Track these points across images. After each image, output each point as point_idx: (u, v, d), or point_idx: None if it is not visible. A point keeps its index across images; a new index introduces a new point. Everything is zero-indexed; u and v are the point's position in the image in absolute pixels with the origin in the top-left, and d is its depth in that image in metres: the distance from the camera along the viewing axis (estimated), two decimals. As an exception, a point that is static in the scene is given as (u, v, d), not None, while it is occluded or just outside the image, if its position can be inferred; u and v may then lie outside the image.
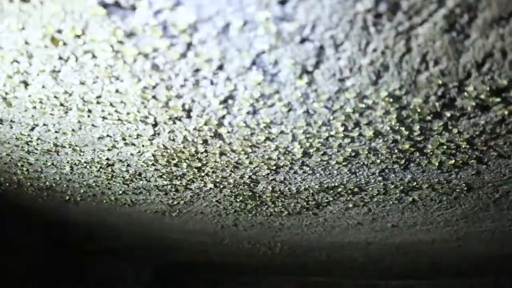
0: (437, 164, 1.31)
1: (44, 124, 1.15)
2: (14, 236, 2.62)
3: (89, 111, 1.06)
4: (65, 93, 0.98)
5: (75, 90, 0.97)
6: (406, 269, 4.14)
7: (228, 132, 1.13)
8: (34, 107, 1.06)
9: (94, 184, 1.69)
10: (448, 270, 4.12)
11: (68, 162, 1.45)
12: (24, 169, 1.53)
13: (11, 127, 1.19)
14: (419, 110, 0.98)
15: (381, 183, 1.56)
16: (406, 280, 4.75)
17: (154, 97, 0.99)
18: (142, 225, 2.62)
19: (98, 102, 1.02)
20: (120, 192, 1.80)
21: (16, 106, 1.06)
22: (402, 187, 1.59)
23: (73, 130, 1.18)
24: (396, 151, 1.22)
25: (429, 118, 1.03)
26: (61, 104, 1.03)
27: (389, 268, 4.04)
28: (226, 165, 1.37)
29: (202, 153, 1.28)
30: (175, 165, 1.41)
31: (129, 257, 4.09)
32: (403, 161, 1.32)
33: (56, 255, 3.30)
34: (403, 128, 1.08)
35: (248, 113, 1.03)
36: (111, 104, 1.02)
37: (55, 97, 1.00)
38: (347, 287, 5.08)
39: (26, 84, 0.96)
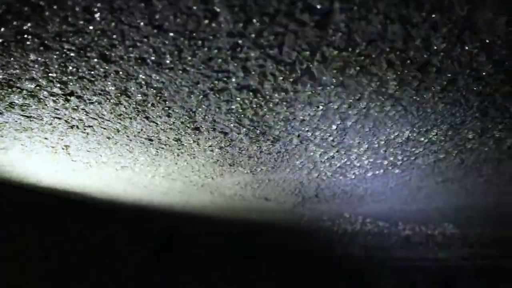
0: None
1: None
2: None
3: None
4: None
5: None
6: (495, 243, 3.87)
7: (318, 63, 1.10)
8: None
9: (180, 154, 1.72)
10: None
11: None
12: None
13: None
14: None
15: (479, 122, 1.45)
16: (503, 260, 4.43)
17: (247, 28, 0.97)
18: (223, 206, 2.64)
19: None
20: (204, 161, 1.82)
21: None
22: (501, 126, 1.47)
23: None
24: (502, 69, 1.13)
25: (543, 17, 0.93)
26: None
27: (477, 242, 3.80)
28: (315, 109, 1.34)
29: (291, 96, 1.26)
30: (262, 116, 1.39)
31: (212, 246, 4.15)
32: (507, 86, 1.22)
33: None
34: (512, 35, 0.99)
35: (343, 35, 0.99)
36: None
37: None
38: (436, 269, 4.84)
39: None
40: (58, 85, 1.24)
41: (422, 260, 4.57)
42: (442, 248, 3.95)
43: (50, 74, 1.19)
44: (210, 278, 4.05)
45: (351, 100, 1.28)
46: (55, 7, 0.91)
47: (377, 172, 1.93)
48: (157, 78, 1.19)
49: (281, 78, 1.16)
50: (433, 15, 0.94)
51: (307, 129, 1.48)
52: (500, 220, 2.89)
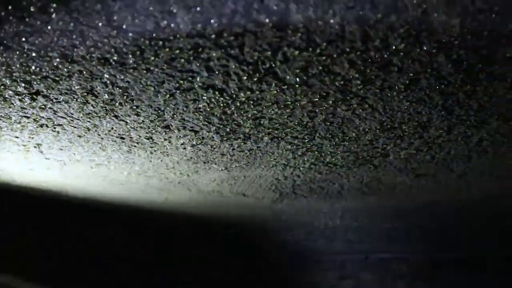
0: (509, 82, 1.22)
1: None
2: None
3: (144, 55, 1.07)
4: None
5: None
6: (476, 238, 3.94)
7: (280, 63, 1.11)
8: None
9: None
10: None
11: (127, 126, 1.48)
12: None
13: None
14: (485, 7, 0.92)
15: (445, 120, 1.48)
16: (474, 251, 4.51)
17: (206, 29, 0.98)
18: (201, 202, 2.65)
19: (152, 43, 1.02)
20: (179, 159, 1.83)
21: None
22: (467, 122, 1.50)
23: (130, 82, 1.19)
24: (461, 69, 1.15)
25: (497, 19, 0.95)
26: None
27: (455, 238, 3.86)
28: (282, 108, 1.35)
29: (257, 95, 1.27)
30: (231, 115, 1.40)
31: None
32: (469, 85, 1.24)
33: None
34: (469, 36, 1.01)
35: (302, 36, 1.00)
36: (164, 44, 1.02)
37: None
38: (412, 263, 4.91)
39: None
40: (23, 84, 1.24)
41: (403, 253, 4.63)
42: (419, 241, 4.01)
43: (13, 74, 1.18)
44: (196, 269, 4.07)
45: (316, 99, 1.30)
46: (9, 7, 0.91)
47: (350, 167, 1.96)
48: (122, 77, 1.19)
49: (245, 77, 1.17)
50: (389, 17, 0.95)
51: (276, 126, 1.49)
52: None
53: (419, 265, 4.82)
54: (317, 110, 1.37)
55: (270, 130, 1.52)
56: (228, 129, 1.51)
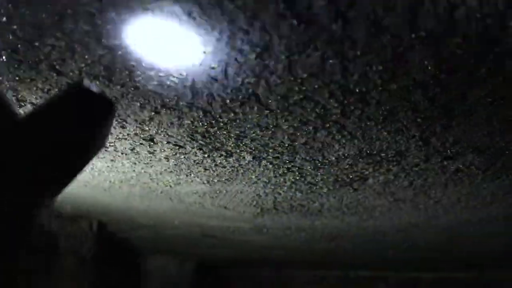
0: (483, 119, 1.27)
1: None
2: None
3: (131, 74, 1.10)
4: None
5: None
6: (455, 259, 3.99)
7: (264, 89, 1.14)
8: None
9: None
10: (504, 260, 3.94)
11: (112, 137, 1.51)
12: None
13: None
14: (459, 52, 0.96)
15: (422, 150, 1.53)
16: (456, 272, 4.57)
17: (192, 54, 1.01)
18: (183, 212, 2.67)
19: (139, 63, 1.05)
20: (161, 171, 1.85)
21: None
22: (444, 153, 1.55)
23: (116, 97, 1.22)
24: (437, 105, 1.20)
25: (471, 61, 1.00)
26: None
27: (435, 258, 3.91)
28: (264, 130, 1.39)
29: (240, 117, 1.30)
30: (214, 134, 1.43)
31: (171, 251, 4.16)
32: (444, 119, 1.29)
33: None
34: (443, 76, 1.06)
35: (284, 65, 1.04)
36: (151, 65, 1.06)
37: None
38: (393, 282, 4.95)
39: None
40: (11, 92, 1.26)
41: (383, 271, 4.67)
42: (401, 264, 4.05)
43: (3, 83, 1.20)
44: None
45: (298, 124, 1.33)
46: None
47: (330, 188, 1.99)
48: (108, 92, 1.22)
49: (228, 100, 1.21)
50: (368, 55, 0.99)
51: (258, 146, 1.52)
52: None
53: (399, 283, 4.87)
54: (298, 134, 1.41)
55: (252, 149, 1.55)
56: (211, 146, 1.54)
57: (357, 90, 1.15)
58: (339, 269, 4.67)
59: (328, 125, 1.33)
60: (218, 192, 2.12)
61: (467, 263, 4.16)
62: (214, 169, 1.77)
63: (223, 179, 1.91)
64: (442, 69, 1.03)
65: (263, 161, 1.66)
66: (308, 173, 1.78)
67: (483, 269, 4.45)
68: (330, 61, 1.02)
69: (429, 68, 1.03)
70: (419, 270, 4.71)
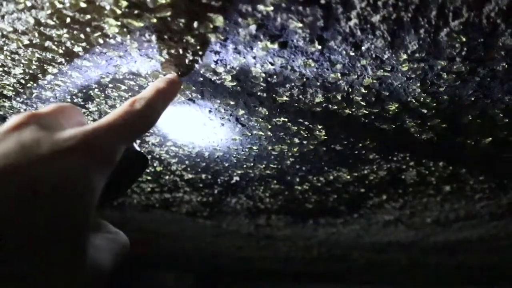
0: (473, 143, 1.22)
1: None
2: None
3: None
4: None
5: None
6: (454, 275, 3.91)
7: (244, 114, 1.10)
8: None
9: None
10: (504, 276, 3.85)
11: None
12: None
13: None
14: (444, 76, 0.92)
15: (415, 171, 1.47)
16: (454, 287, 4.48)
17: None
18: (177, 229, 2.62)
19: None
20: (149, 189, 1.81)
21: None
22: (437, 174, 1.49)
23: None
24: (426, 128, 1.15)
25: (456, 84, 0.95)
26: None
27: (435, 273, 3.83)
28: (248, 153, 1.34)
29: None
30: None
31: (168, 265, 4.11)
32: (435, 141, 1.24)
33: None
34: (428, 100, 1.01)
35: (262, 89, 1.00)
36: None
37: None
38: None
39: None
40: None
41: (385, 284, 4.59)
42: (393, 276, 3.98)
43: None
44: None
45: (283, 146, 1.29)
46: None
47: (323, 208, 1.94)
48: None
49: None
50: (349, 75, 0.95)
51: (244, 166, 1.48)
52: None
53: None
54: (284, 155, 1.36)
55: (238, 169, 1.50)
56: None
57: (341, 112, 1.10)
58: (338, 281, 4.59)
59: (312, 146, 1.28)
60: (209, 210, 2.07)
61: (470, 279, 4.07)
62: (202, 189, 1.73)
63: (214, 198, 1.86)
64: (428, 93, 0.99)
65: (250, 181, 1.61)
66: (299, 192, 1.73)
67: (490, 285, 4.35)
68: (310, 82, 0.97)
69: (415, 91, 0.98)
70: (419, 285, 4.62)
